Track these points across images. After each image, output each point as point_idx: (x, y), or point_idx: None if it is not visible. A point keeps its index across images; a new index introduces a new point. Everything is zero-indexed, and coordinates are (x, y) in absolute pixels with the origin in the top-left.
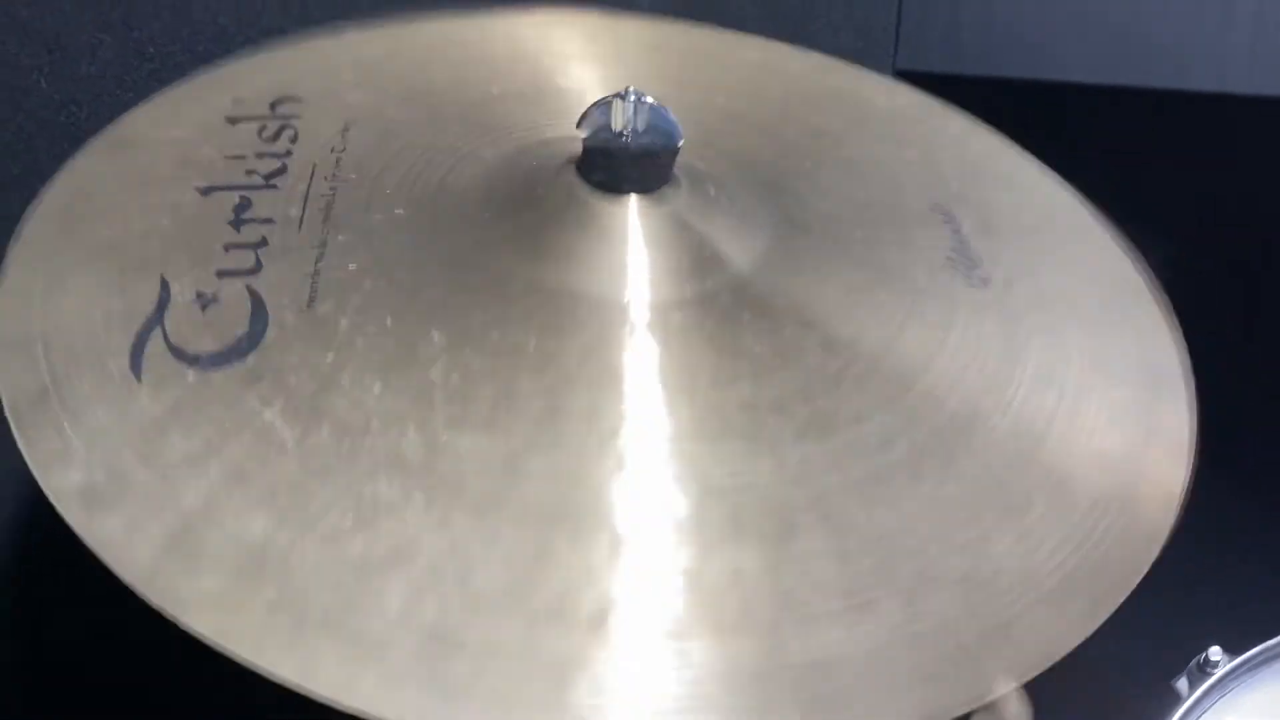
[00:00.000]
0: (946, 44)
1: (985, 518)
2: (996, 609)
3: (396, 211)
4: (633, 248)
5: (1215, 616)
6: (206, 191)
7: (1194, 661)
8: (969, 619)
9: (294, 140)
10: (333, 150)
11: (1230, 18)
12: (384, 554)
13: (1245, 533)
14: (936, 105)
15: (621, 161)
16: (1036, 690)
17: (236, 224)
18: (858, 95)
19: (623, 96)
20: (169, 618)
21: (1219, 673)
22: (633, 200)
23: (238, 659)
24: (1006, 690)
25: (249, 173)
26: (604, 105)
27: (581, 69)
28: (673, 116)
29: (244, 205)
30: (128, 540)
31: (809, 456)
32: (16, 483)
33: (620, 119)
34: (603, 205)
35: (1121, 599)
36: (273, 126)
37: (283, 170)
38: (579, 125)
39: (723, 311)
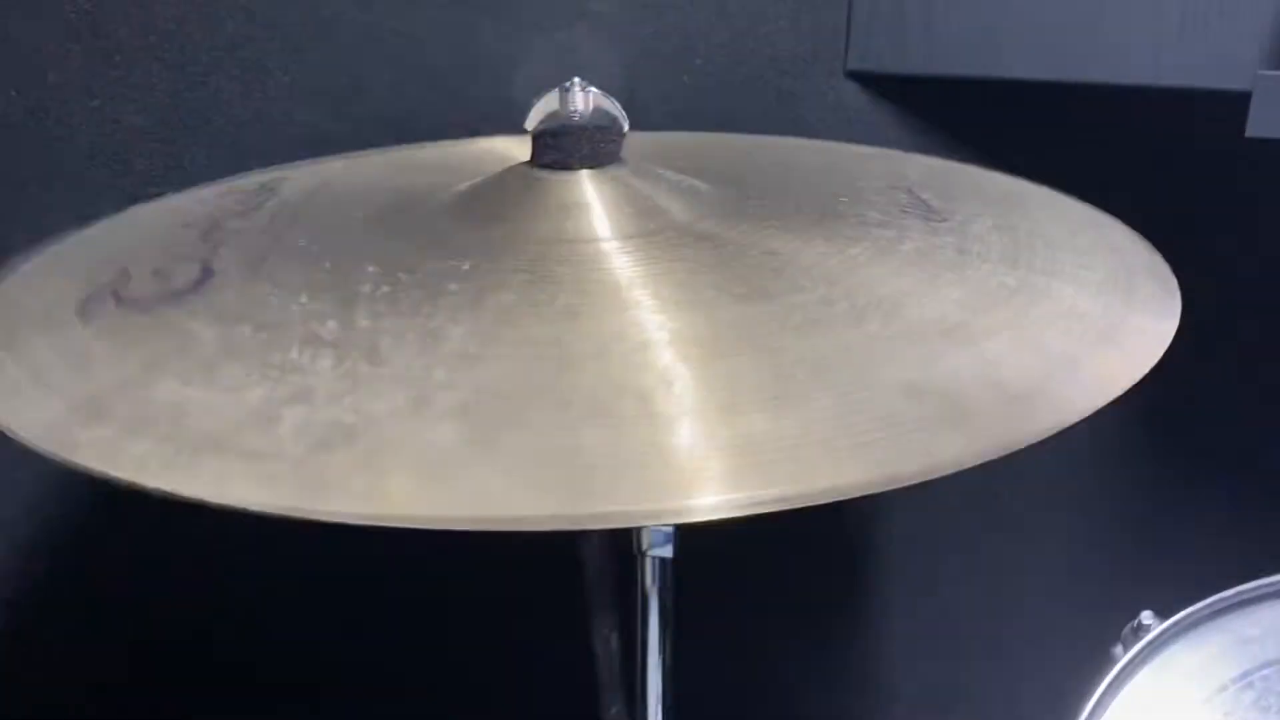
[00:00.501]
0: (896, 45)
1: (937, 345)
2: (946, 404)
3: (357, 214)
4: (574, 202)
5: (1154, 583)
6: (186, 226)
7: (1128, 627)
8: (914, 408)
9: (273, 192)
10: (309, 196)
11: (1161, 11)
12: (283, 396)
13: (1184, 502)
14: (904, 156)
15: (570, 140)
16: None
17: (205, 236)
18: (827, 149)
19: (566, 87)
20: (59, 462)
21: (1150, 635)
22: (582, 173)
23: (119, 481)
24: (963, 466)
25: (227, 212)
26: (549, 96)
27: None
28: (615, 102)
29: (214, 227)
30: (33, 409)
31: (744, 312)
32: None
33: (566, 105)
34: (548, 176)
35: (1103, 402)
36: (256, 195)
37: (257, 208)
38: (527, 121)
39: (665, 240)
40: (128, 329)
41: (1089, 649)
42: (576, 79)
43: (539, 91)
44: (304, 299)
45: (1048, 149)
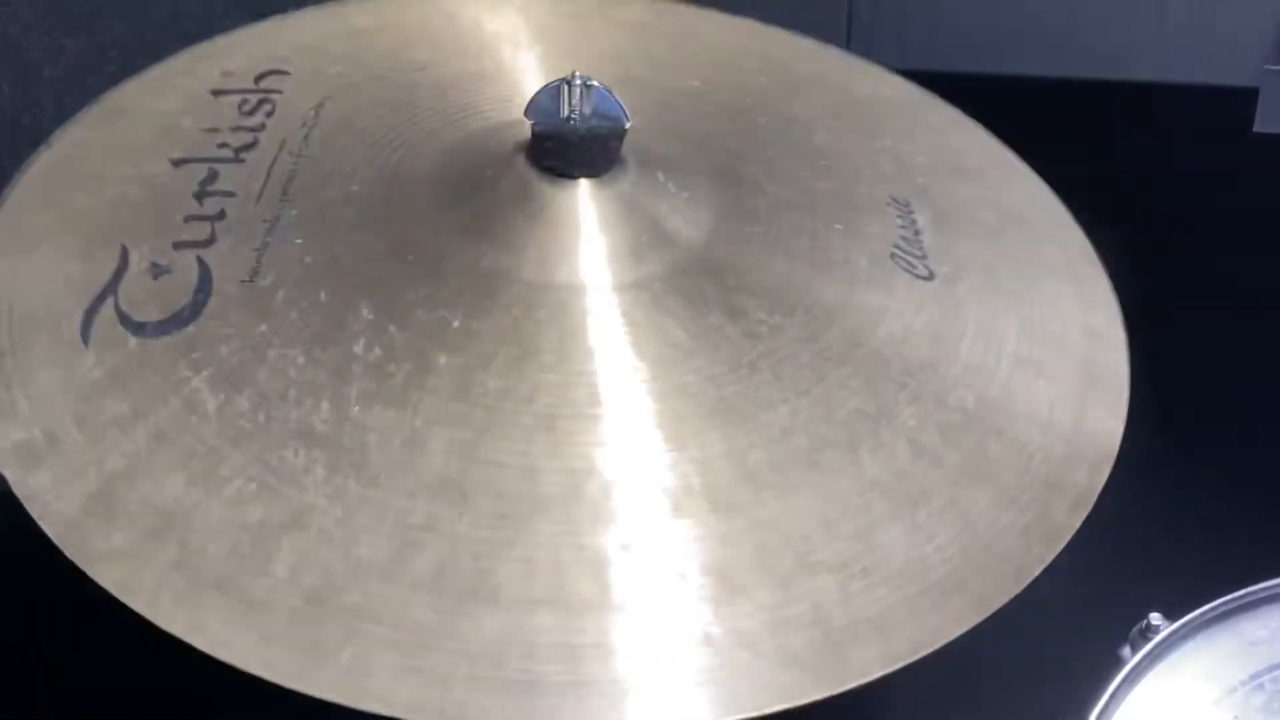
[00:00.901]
0: (897, 41)
1: (875, 508)
2: (872, 599)
3: (352, 188)
4: (568, 231)
5: (1159, 583)
6: (178, 163)
7: (1136, 628)
8: (841, 606)
9: (270, 114)
10: (304, 125)
11: (1164, 10)
12: (280, 520)
13: (1191, 504)
14: (922, 96)
15: (569, 147)
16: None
17: (200, 196)
18: (841, 83)
19: (569, 81)
20: (81, 567)
21: (1158, 637)
22: (581, 185)
23: (136, 610)
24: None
25: (221, 145)
26: (551, 90)
27: (559, 48)
28: (618, 100)
29: (210, 178)
30: (54, 496)
31: (708, 441)
32: None
33: (567, 104)
34: (546, 187)
35: (1008, 597)
36: (253, 100)
37: (254, 144)
38: (526, 112)
39: (651, 297)
40: (132, 370)
41: (1095, 651)
42: (578, 74)
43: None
44: (301, 360)
45: (1049, 146)
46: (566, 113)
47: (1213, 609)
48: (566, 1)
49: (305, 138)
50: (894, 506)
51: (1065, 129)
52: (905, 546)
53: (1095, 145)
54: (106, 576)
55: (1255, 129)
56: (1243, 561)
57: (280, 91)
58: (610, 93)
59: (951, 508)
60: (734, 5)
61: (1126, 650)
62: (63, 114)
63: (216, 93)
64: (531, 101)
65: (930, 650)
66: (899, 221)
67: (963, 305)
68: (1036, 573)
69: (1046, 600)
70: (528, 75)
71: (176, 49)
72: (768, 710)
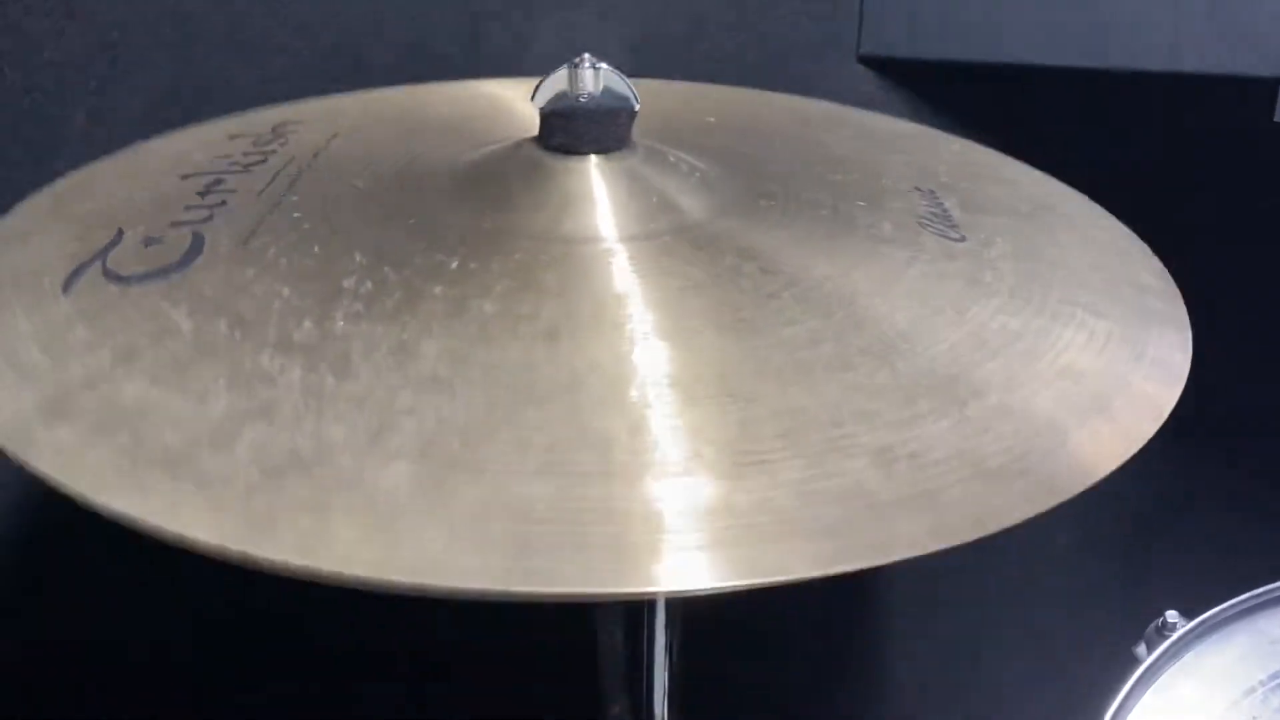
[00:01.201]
0: (908, 29)
1: (920, 404)
2: (921, 477)
3: (355, 183)
4: (576, 196)
5: (1173, 581)
6: (186, 177)
7: (1152, 626)
8: (884, 482)
9: (282, 144)
10: (314, 151)
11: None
12: (245, 410)
13: (1207, 499)
14: (938, 134)
15: (579, 123)
16: (994, 659)
17: (204, 194)
18: (858, 122)
19: (577, 64)
20: (15, 461)
21: (1175, 636)
22: (590, 158)
23: (75, 496)
24: (925, 550)
25: (231, 163)
26: (559, 73)
27: None
28: (627, 80)
29: (216, 182)
30: (3, 406)
31: (726, 349)
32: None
33: (576, 84)
34: (555, 162)
35: (1081, 487)
36: (266, 138)
37: (262, 161)
38: (534, 96)
39: (661, 246)
40: (109, 309)
41: (1110, 648)
42: (587, 55)
43: (548, 70)
44: (286, 292)
45: (1063, 137)
46: (575, 92)
47: (1231, 606)
48: None
49: (315, 156)
50: (939, 403)
51: (1080, 120)
52: (955, 438)
53: (1111, 137)
54: (45, 462)
55: (1276, 119)
56: (1263, 560)
57: (294, 132)
58: (619, 73)
59: (1005, 409)
60: (746, 2)
61: (1142, 648)
62: (64, 97)
63: (232, 136)
64: (539, 85)
65: (995, 529)
66: (925, 202)
67: (999, 261)
68: (1111, 468)
69: (1062, 596)
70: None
71: (178, 32)
72: (797, 576)
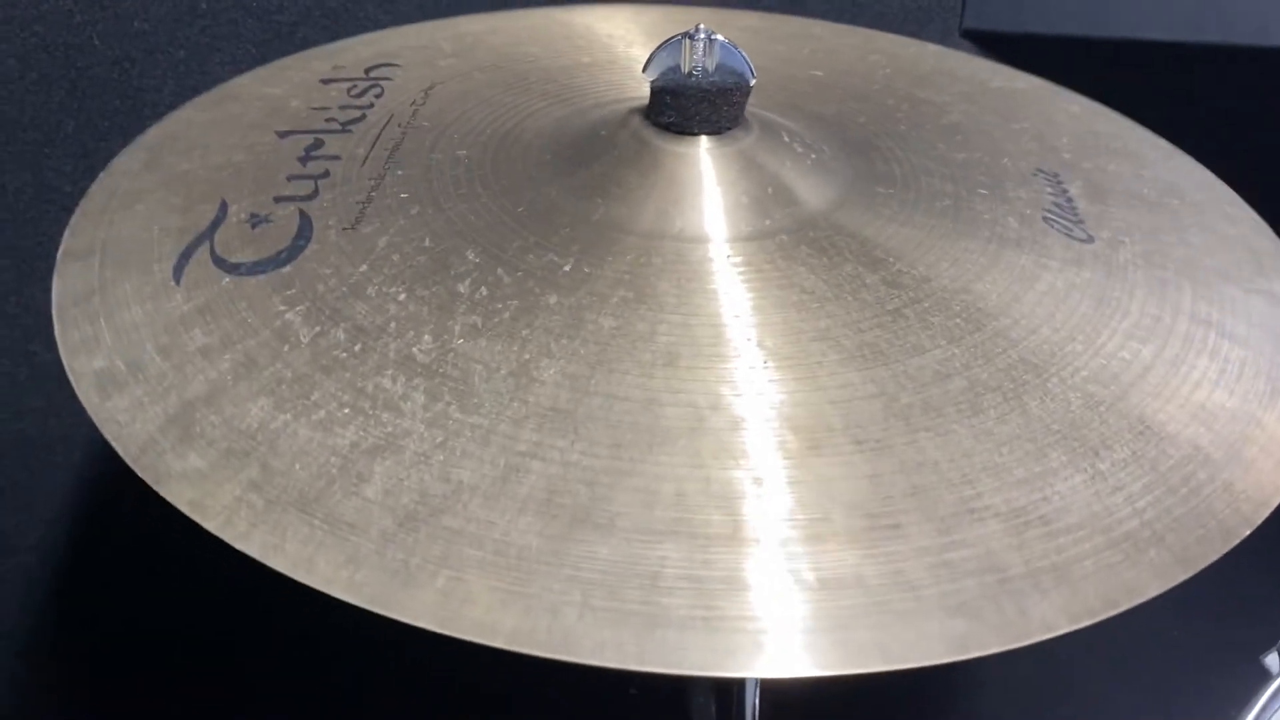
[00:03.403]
0: (1013, 3)
1: (1051, 455)
2: (1053, 547)
3: (459, 153)
4: (687, 186)
5: None
6: (284, 134)
7: None
8: (1016, 553)
9: (379, 96)
10: (413, 104)
11: None
12: (373, 443)
13: None
14: (1059, 90)
15: (690, 101)
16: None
17: (304, 159)
18: (971, 75)
19: (691, 35)
20: (153, 487)
21: None
22: (701, 140)
23: (210, 530)
24: (1059, 632)
25: (328, 120)
26: (672, 45)
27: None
28: (743, 54)
29: (316, 145)
30: (130, 419)
31: (851, 382)
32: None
33: (689, 58)
34: (664, 144)
35: (1216, 555)
36: (362, 85)
37: (360, 119)
38: (645, 68)
39: (778, 248)
40: (222, 304)
41: (1239, 659)
42: (701, 25)
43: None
44: (402, 296)
45: (1170, 112)
46: (688, 68)
47: None
48: (679, 11)
49: (414, 113)
50: (1071, 455)
51: (1185, 96)
52: (1088, 497)
53: (1215, 113)
54: (179, 496)
55: None
56: None
57: (389, 79)
58: (735, 47)
59: (1138, 460)
60: None
61: (1273, 659)
62: (151, 68)
63: (326, 81)
64: (651, 56)
65: (1126, 607)
66: (1049, 190)
67: (1128, 268)
68: (1245, 534)
69: (1186, 604)
70: (640, 63)
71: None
72: (932, 662)
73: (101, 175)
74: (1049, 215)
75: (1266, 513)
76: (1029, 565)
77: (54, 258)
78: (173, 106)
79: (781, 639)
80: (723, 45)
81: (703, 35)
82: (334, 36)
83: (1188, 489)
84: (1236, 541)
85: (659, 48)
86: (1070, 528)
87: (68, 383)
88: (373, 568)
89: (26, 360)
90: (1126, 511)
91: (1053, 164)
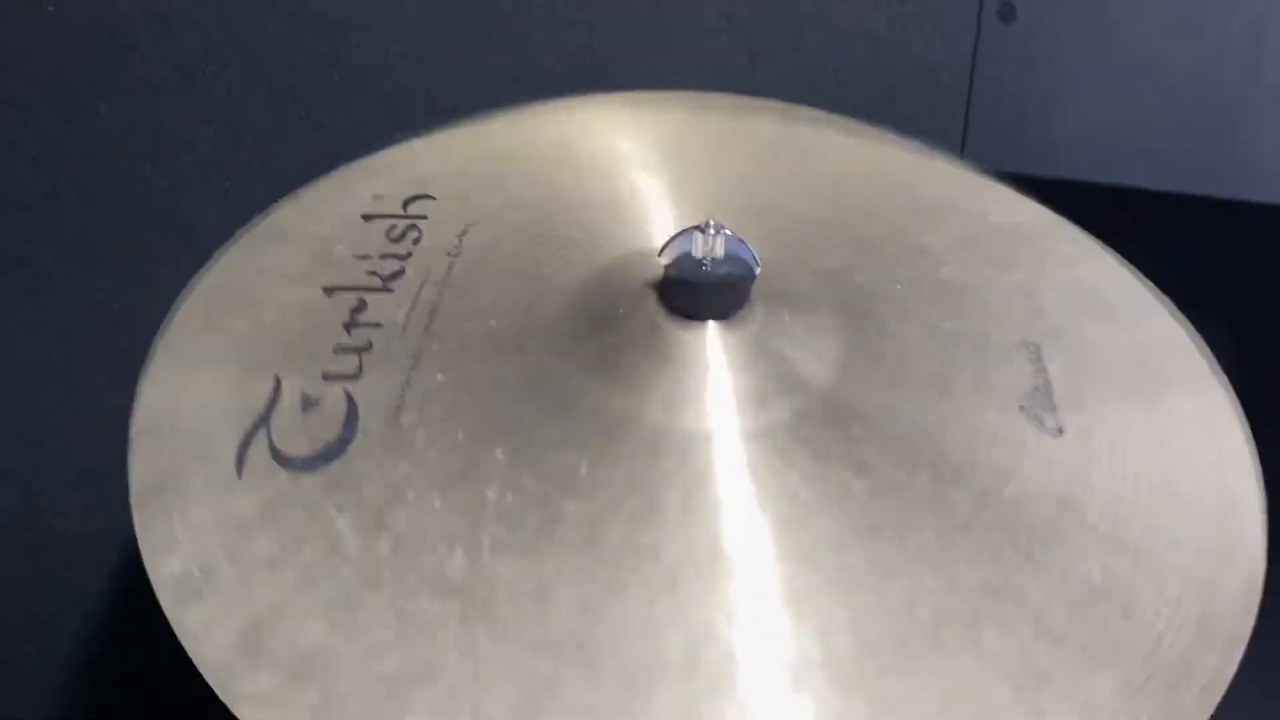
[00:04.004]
0: (1014, 144)
1: (996, 691)
2: None
3: (490, 323)
4: (695, 375)
5: None
6: (330, 291)
7: None
8: None
9: (416, 242)
10: (449, 254)
11: None
12: (414, 671)
13: None
14: (1055, 222)
15: (701, 291)
16: None
17: (349, 326)
18: (973, 208)
19: (703, 229)
20: (229, 707)
21: None
22: (709, 327)
23: None
24: None
25: (370, 274)
26: (685, 236)
27: (690, 173)
28: (750, 247)
29: (360, 308)
30: (207, 634)
31: (829, 610)
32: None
33: (700, 249)
34: (675, 329)
35: None
36: (401, 227)
37: (400, 273)
38: (661, 254)
39: (775, 448)
40: (282, 506)
41: None
42: (712, 220)
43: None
44: (438, 504)
45: (1172, 265)
46: (699, 256)
47: None
48: (700, 114)
49: (449, 269)
50: (1016, 689)
51: (1188, 249)
52: None
53: (1220, 267)
54: (253, 717)
55: None
56: None
57: (426, 217)
58: (742, 241)
59: (1075, 693)
60: (848, 104)
61: None
62: (199, 201)
63: (367, 217)
64: (666, 245)
65: None
66: (1029, 369)
67: (1093, 465)
68: None
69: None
70: (661, 203)
71: (311, 137)
72: None
73: (163, 332)
74: (1025, 405)
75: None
76: None
77: (95, 369)
78: (220, 235)
79: None
80: (732, 238)
81: (712, 230)
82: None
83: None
84: None
85: (674, 237)
86: None
87: (110, 482)
88: None
89: (69, 463)
90: None
91: (1037, 333)
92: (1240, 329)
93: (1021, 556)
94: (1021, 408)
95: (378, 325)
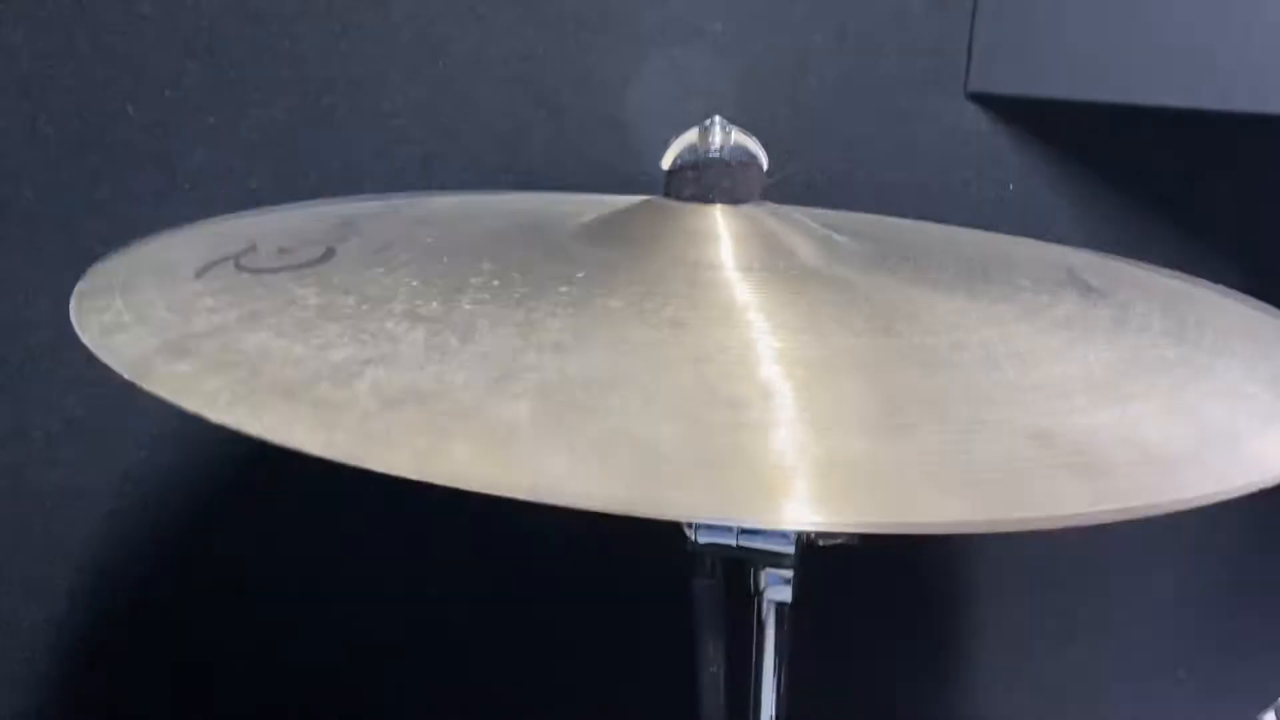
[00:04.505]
0: (1020, 66)
1: (1077, 399)
2: (1078, 454)
3: (484, 222)
4: (704, 233)
5: None
6: (323, 217)
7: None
8: (1040, 453)
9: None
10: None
11: None
12: (368, 357)
13: None
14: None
15: (709, 174)
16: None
17: (341, 226)
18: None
19: (707, 125)
20: (137, 385)
21: None
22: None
23: (190, 411)
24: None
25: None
26: (689, 133)
27: None
28: (756, 141)
29: (353, 218)
30: (127, 345)
31: (865, 344)
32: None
33: (706, 141)
34: (685, 208)
35: (1265, 482)
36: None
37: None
38: (664, 159)
39: (790, 277)
40: (238, 288)
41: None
42: (717, 117)
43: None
44: (415, 283)
45: (1180, 180)
46: (708, 146)
47: None
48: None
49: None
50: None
51: (1196, 163)
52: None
53: (1226, 182)
54: (163, 388)
55: None
56: None
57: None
58: (748, 133)
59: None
60: (855, 38)
61: (1270, 717)
62: (183, 135)
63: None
64: (669, 146)
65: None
66: (1063, 274)
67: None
68: None
69: (1181, 660)
70: None
71: (297, 72)
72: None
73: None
74: (1062, 283)
75: None
76: (1056, 461)
77: None
78: (203, 171)
79: (781, 499)
80: (736, 131)
81: (717, 123)
82: (354, 106)
83: (1217, 428)
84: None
85: (675, 139)
86: (1096, 445)
87: (101, 435)
88: (351, 434)
89: (61, 420)
90: (1160, 439)
91: (1066, 264)
92: (1245, 243)
93: (1077, 335)
94: (1059, 284)
95: (370, 217)
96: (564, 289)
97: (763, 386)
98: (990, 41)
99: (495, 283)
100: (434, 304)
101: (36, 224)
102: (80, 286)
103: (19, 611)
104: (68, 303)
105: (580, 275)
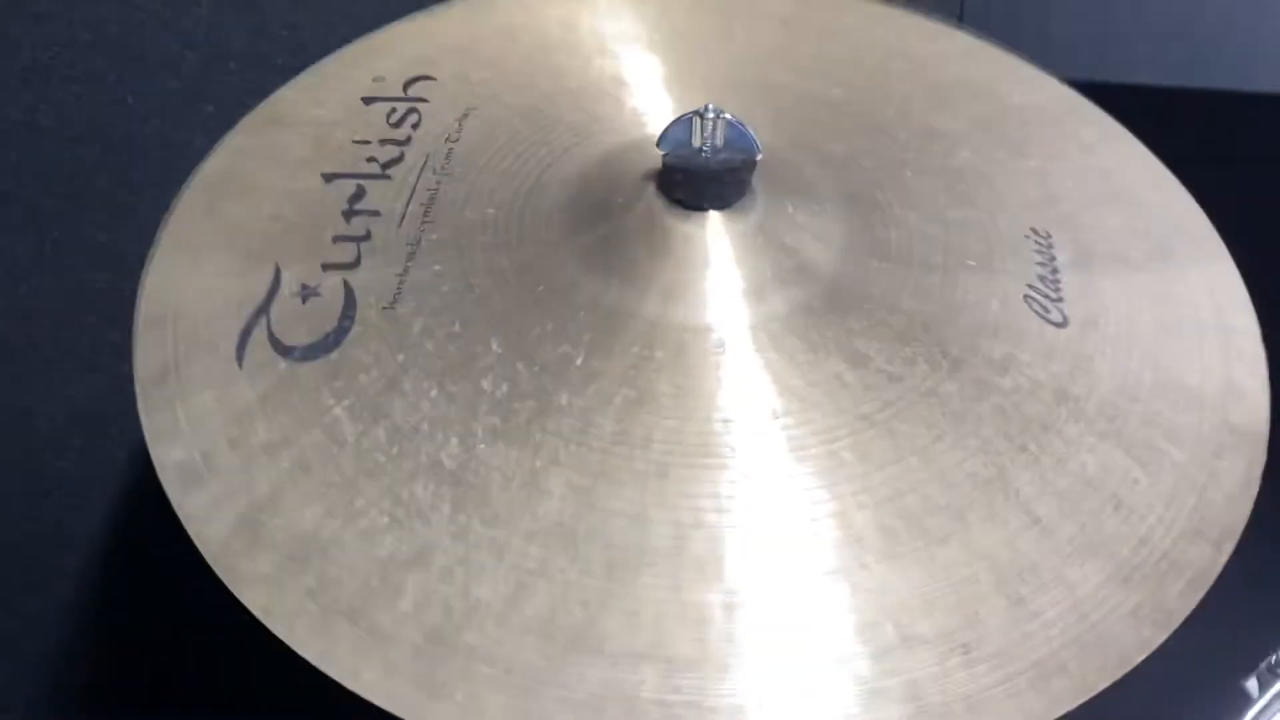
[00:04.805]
0: (1008, 46)
1: (982, 580)
2: (969, 675)
3: (488, 210)
4: (693, 266)
5: None
6: (329, 179)
7: (1264, 663)
8: (937, 683)
9: (416, 126)
10: (447, 140)
11: None
12: (407, 555)
13: None
14: (1076, 103)
15: (700, 180)
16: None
17: (348, 214)
18: (992, 88)
19: (701, 114)
20: (230, 589)
21: None
22: (709, 217)
23: (277, 634)
24: None
25: (370, 160)
26: (683, 122)
27: (700, 51)
28: (750, 133)
29: (358, 195)
30: (208, 518)
31: (817, 500)
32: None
33: (699, 136)
34: (674, 222)
35: (1110, 681)
36: (401, 110)
37: (399, 159)
38: (659, 143)
39: (769, 339)
40: (281, 394)
41: (1218, 685)
42: (711, 105)
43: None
44: (434, 393)
45: (1172, 160)
46: (698, 144)
47: None
48: None
49: (448, 155)
50: (1000, 580)
51: (1187, 143)
52: (1008, 624)
53: (1218, 160)
54: (253, 600)
55: None
56: None
57: (426, 100)
58: (742, 126)
59: (1059, 583)
60: None
61: (1253, 684)
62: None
63: (367, 100)
64: (664, 133)
65: None
66: (1037, 258)
67: (1095, 357)
68: (1140, 659)
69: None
70: (667, 85)
71: (297, 60)
72: None
73: (166, 221)
74: (1030, 294)
75: (1165, 636)
76: (945, 695)
77: (87, 307)
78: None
79: None
80: (732, 124)
81: (711, 114)
82: None
83: (1098, 615)
84: (1132, 665)
85: (672, 124)
86: (988, 656)
87: (103, 424)
88: (406, 679)
89: (67, 408)
90: (1040, 639)
91: (1048, 220)
92: (1245, 224)
93: (1014, 448)
94: (1026, 297)
95: (376, 214)
96: (564, 399)
97: (725, 597)
98: (979, 20)
99: (504, 388)
100: (454, 441)
101: (38, 214)
102: (139, 365)
103: (24, 599)
104: (68, 293)
105: (579, 362)
